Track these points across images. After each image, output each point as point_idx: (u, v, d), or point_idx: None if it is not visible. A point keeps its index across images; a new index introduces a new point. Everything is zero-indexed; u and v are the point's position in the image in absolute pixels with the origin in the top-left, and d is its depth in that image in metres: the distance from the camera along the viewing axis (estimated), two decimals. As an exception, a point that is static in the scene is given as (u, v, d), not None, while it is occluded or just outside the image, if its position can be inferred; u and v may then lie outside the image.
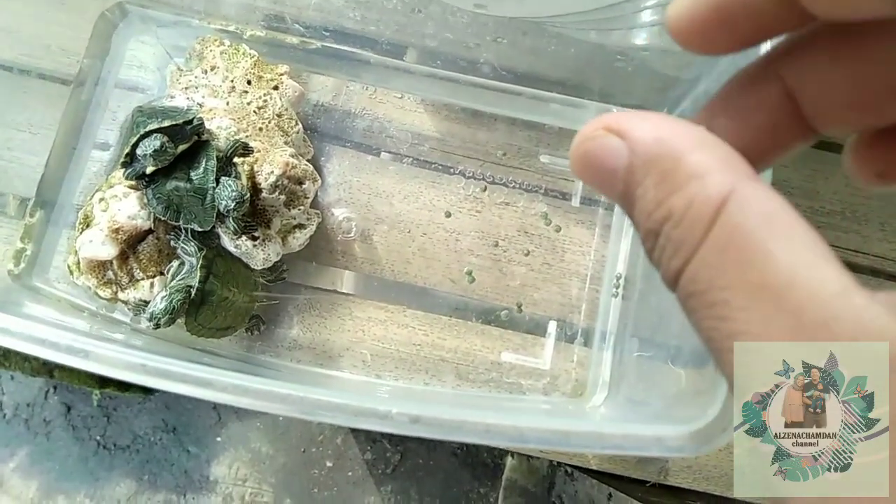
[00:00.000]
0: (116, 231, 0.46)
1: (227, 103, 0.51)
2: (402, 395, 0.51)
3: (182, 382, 0.31)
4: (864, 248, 0.54)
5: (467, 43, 0.51)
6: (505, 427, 0.30)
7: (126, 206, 0.47)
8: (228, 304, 0.48)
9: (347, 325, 0.52)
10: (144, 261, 0.48)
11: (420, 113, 0.55)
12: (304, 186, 0.50)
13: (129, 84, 0.55)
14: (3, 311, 0.34)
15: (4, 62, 0.54)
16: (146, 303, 0.47)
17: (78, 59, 0.54)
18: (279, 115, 0.51)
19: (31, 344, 0.32)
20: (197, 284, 0.46)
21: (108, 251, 0.47)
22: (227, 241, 0.48)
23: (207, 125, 0.48)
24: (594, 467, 0.54)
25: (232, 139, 0.48)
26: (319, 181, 0.52)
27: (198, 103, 0.50)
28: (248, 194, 0.46)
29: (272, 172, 0.48)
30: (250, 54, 0.52)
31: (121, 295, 0.48)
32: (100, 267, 0.48)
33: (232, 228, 0.46)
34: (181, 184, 0.46)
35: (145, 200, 0.47)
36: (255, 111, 0.51)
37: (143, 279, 0.48)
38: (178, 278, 0.46)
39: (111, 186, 0.48)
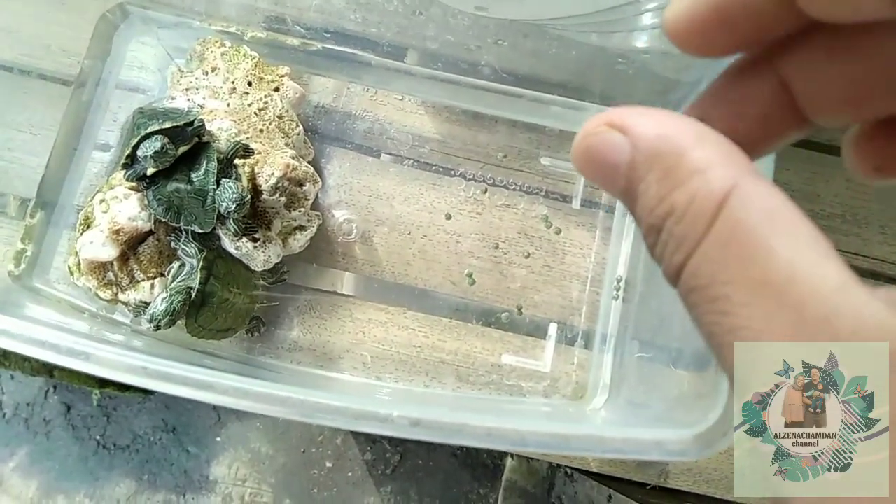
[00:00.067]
0: (117, 232, 0.46)
1: (228, 105, 0.51)
2: (402, 398, 0.51)
3: (182, 385, 0.31)
4: (865, 251, 0.54)
5: (468, 45, 0.51)
6: (506, 431, 0.30)
7: (127, 208, 0.47)
8: (229, 306, 0.48)
9: (348, 326, 0.52)
10: (145, 262, 0.48)
11: (421, 115, 0.55)
12: (304, 188, 0.50)
13: (129, 85, 0.55)
14: (4, 313, 0.34)
15: (5, 62, 0.54)
16: (146, 304, 0.47)
17: (79, 60, 0.54)
18: (280, 117, 0.51)
19: (32, 346, 0.32)
20: (197, 286, 0.46)
21: (109, 252, 0.46)
22: (228, 243, 0.48)
23: (208, 126, 0.48)
24: (594, 469, 0.54)
25: (233, 141, 0.48)
26: (320, 183, 0.52)
27: (198, 105, 0.50)
28: (249, 196, 0.46)
29: (273, 174, 0.48)
30: (251, 56, 0.52)
31: (121, 296, 0.48)
32: (100, 268, 0.48)
33: (232, 230, 0.46)
34: (182, 185, 0.46)
35: (146, 202, 0.47)
36: (255, 113, 0.51)
37: (143, 280, 0.48)
38: (178, 280, 0.46)
39: (112, 188, 0.48)
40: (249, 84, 0.51)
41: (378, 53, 0.54)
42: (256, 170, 0.48)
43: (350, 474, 1.09)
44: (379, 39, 0.53)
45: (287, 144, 0.51)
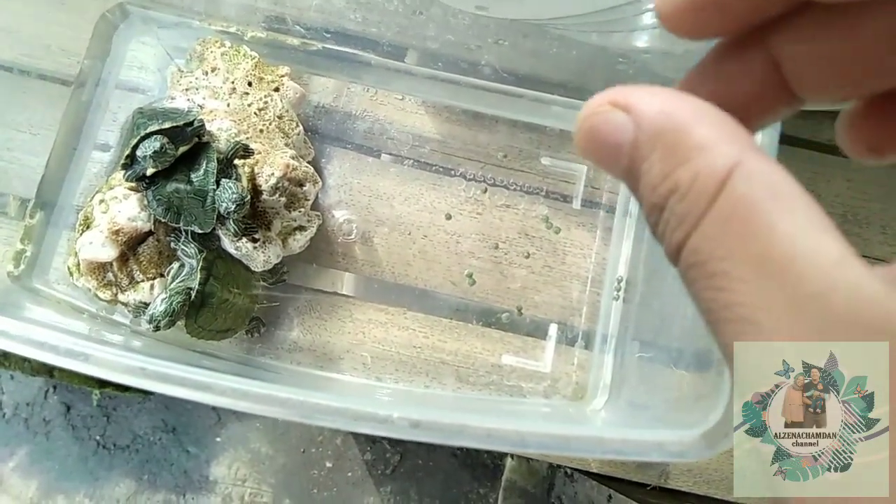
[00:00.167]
0: (116, 233, 0.46)
1: (228, 105, 0.51)
2: (402, 398, 0.51)
3: (181, 386, 0.31)
4: (866, 252, 0.54)
5: (469, 45, 0.51)
6: (506, 432, 0.30)
7: (126, 208, 0.47)
8: (228, 307, 0.48)
9: (348, 327, 0.52)
10: (144, 263, 0.48)
11: (421, 115, 0.55)
12: (304, 188, 0.50)
13: (129, 85, 0.55)
14: (3, 314, 0.34)
15: (5, 62, 0.54)
16: (146, 305, 0.47)
17: (78, 60, 0.54)
18: (280, 117, 0.51)
19: (31, 347, 0.32)
20: (197, 286, 0.45)
21: (108, 253, 0.46)
22: (228, 243, 0.48)
23: (208, 127, 0.48)
24: (594, 470, 0.54)
25: (232, 141, 0.48)
26: (320, 183, 0.52)
27: (198, 105, 0.50)
28: (249, 196, 0.46)
29: (273, 174, 0.48)
30: (251, 56, 0.52)
31: (121, 297, 0.48)
32: (100, 269, 0.48)
33: (232, 230, 0.46)
34: (181, 186, 0.46)
35: (145, 202, 0.46)
36: (255, 113, 0.51)
37: (143, 281, 0.48)
38: (178, 280, 0.46)
39: (111, 188, 0.48)
40: (249, 84, 0.51)
41: (378, 53, 0.54)
42: (256, 170, 0.48)
43: (350, 474, 1.09)
44: (379, 39, 0.53)
45: (287, 145, 0.51)
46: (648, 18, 0.42)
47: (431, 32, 0.51)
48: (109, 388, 1.06)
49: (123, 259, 0.47)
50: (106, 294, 0.48)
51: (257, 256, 0.48)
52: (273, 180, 0.48)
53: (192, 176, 0.46)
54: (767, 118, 0.20)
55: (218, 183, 0.46)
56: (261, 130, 0.50)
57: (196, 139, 0.47)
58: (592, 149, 0.19)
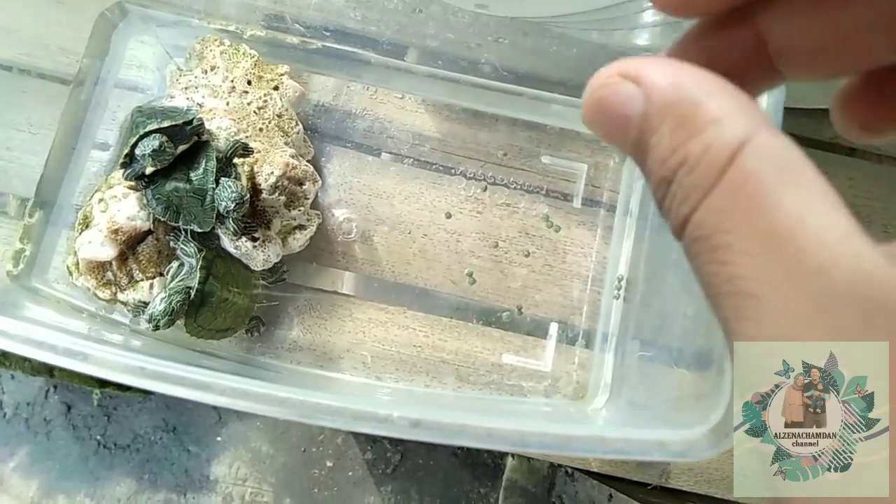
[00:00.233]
0: (116, 232, 0.46)
1: (227, 103, 0.50)
2: (402, 398, 0.51)
3: (180, 386, 0.31)
4: (867, 250, 0.54)
5: (468, 43, 0.51)
6: (506, 431, 0.30)
7: (125, 207, 0.47)
8: (228, 306, 0.47)
9: (348, 326, 0.52)
10: (144, 262, 0.48)
11: (421, 113, 0.55)
12: (304, 187, 0.50)
13: (128, 84, 0.55)
14: (2, 313, 0.34)
15: (4, 62, 0.54)
16: (145, 304, 0.47)
17: (77, 59, 0.54)
18: (279, 116, 0.51)
19: (30, 346, 0.32)
20: (196, 286, 0.45)
21: (108, 252, 0.46)
22: (227, 242, 0.48)
23: (207, 125, 0.48)
24: (595, 469, 0.53)
25: (232, 140, 0.48)
26: (320, 182, 0.52)
27: (197, 103, 0.50)
28: (248, 195, 0.46)
29: (272, 173, 0.48)
30: (250, 54, 0.52)
31: (120, 296, 0.48)
32: (99, 268, 0.48)
33: (232, 229, 0.46)
34: (181, 184, 0.46)
35: (145, 201, 0.46)
36: (255, 111, 0.50)
37: (142, 280, 0.48)
38: (177, 279, 0.46)
39: (111, 187, 0.48)
40: (249, 83, 0.51)
41: (378, 52, 0.54)
42: (256, 169, 0.48)
43: (350, 474, 1.09)
44: (379, 37, 0.53)
45: (286, 143, 0.51)
46: (649, 16, 0.42)
47: (431, 30, 0.51)
48: (110, 388, 1.06)
49: (123, 258, 0.47)
50: (105, 293, 0.48)
51: (257, 255, 0.48)
52: (272, 179, 0.47)
53: (192, 175, 0.46)
54: (750, 93, 0.20)
55: (217, 182, 0.46)
56: (260, 129, 0.50)
57: (195, 138, 0.47)
58: (600, 121, 0.18)
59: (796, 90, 0.39)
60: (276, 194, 0.48)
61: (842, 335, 0.14)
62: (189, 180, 0.46)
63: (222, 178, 0.46)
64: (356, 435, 1.09)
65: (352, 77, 0.55)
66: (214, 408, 1.10)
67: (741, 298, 0.15)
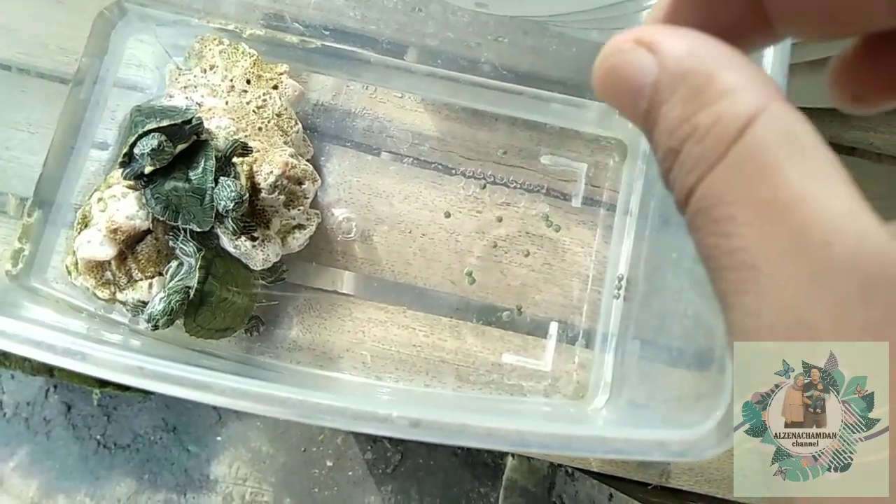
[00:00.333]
0: (115, 231, 0.46)
1: (227, 103, 0.50)
2: (402, 397, 0.51)
3: (180, 386, 0.31)
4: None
5: (468, 42, 0.51)
6: (507, 431, 0.30)
7: (124, 207, 0.46)
8: (227, 305, 0.47)
9: (347, 325, 0.52)
10: (143, 261, 0.48)
11: (420, 112, 0.55)
12: (303, 186, 0.50)
13: (127, 83, 0.55)
14: (1, 313, 0.34)
15: (3, 61, 0.54)
16: (144, 304, 0.47)
17: (76, 58, 0.53)
18: (278, 115, 0.51)
19: (28, 346, 0.32)
20: (196, 285, 0.45)
21: (107, 251, 0.46)
22: (227, 242, 0.48)
23: (206, 125, 0.48)
24: (595, 469, 0.53)
25: (231, 139, 0.48)
26: (319, 181, 0.52)
27: (197, 103, 0.50)
28: (248, 194, 0.46)
29: (271, 172, 0.47)
30: (249, 53, 0.52)
31: (119, 296, 0.48)
32: (98, 267, 0.48)
33: (231, 229, 0.46)
34: (180, 184, 0.46)
35: (144, 200, 0.46)
36: (254, 111, 0.50)
37: (141, 280, 0.48)
38: (176, 279, 0.46)
39: (110, 186, 0.48)
40: (248, 82, 0.51)
41: (377, 51, 0.54)
42: (255, 168, 0.48)
43: (351, 473, 1.09)
44: (378, 37, 0.53)
45: (286, 143, 0.51)
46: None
47: (431, 30, 0.50)
48: (110, 388, 1.06)
49: (122, 258, 0.47)
50: (104, 293, 0.48)
51: (256, 255, 0.48)
52: (272, 178, 0.47)
53: (191, 174, 0.46)
54: (741, 50, 0.20)
55: (216, 181, 0.45)
56: (259, 128, 0.50)
57: (194, 137, 0.47)
58: (612, 90, 0.18)
59: (796, 90, 0.39)
60: (276, 194, 0.48)
61: (842, 309, 0.14)
62: (188, 179, 0.46)
63: (221, 178, 0.46)
64: (356, 435, 1.09)
65: (351, 76, 0.55)
66: (214, 408, 1.10)
67: (742, 271, 0.15)
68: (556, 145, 0.55)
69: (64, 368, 0.31)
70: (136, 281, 0.48)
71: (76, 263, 0.48)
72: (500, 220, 0.53)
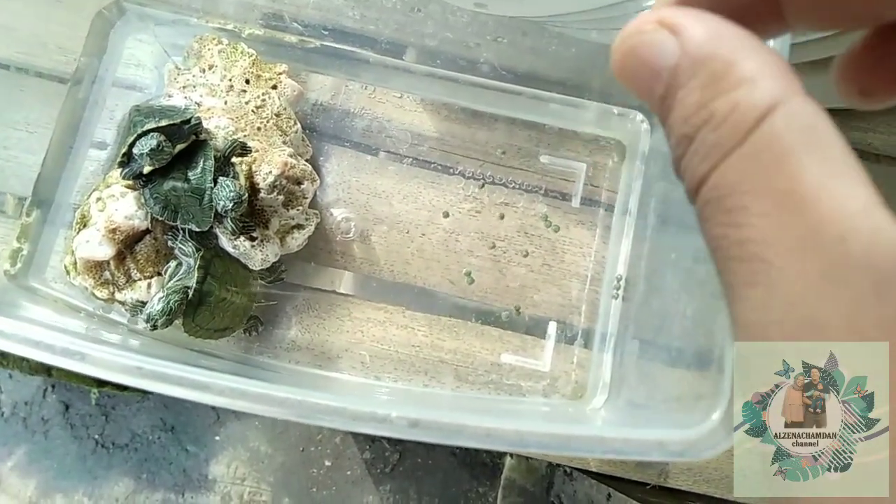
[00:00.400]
0: (113, 231, 0.46)
1: (226, 102, 0.50)
2: (401, 397, 0.51)
3: (178, 386, 0.31)
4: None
5: (467, 42, 0.51)
6: (506, 431, 0.30)
7: (123, 206, 0.46)
8: (226, 305, 0.47)
9: (346, 325, 0.52)
10: (142, 261, 0.48)
11: (419, 112, 0.55)
12: (302, 186, 0.50)
13: (126, 83, 0.55)
14: (0, 313, 0.33)
15: (2, 60, 0.54)
16: (143, 304, 0.47)
17: (75, 58, 0.53)
18: (277, 115, 0.51)
19: (27, 346, 0.32)
20: (194, 285, 0.45)
21: (105, 251, 0.46)
22: (225, 242, 0.48)
23: (205, 124, 0.48)
24: (594, 468, 0.53)
25: (230, 139, 0.48)
26: (318, 181, 0.52)
27: (196, 102, 0.50)
28: (247, 194, 0.46)
29: (270, 172, 0.47)
30: (249, 53, 0.52)
31: (118, 295, 0.48)
32: (97, 267, 0.48)
33: (230, 229, 0.46)
34: (179, 184, 0.46)
35: (142, 200, 0.46)
36: (253, 110, 0.50)
37: (140, 280, 0.48)
38: (175, 279, 0.46)
39: (108, 186, 0.48)
40: (247, 82, 0.51)
41: (376, 51, 0.54)
42: (254, 168, 0.48)
43: (349, 473, 1.09)
44: (377, 37, 0.53)
45: (285, 142, 0.51)
46: (648, 15, 0.42)
47: (430, 30, 0.50)
48: (108, 387, 1.06)
49: (120, 257, 0.47)
50: (103, 293, 0.48)
51: (255, 255, 0.48)
52: (271, 178, 0.47)
53: (190, 174, 0.46)
54: None
55: (215, 181, 0.45)
56: (258, 128, 0.50)
57: (193, 137, 0.46)
58: (629, 72, 0.18)
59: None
60: (275, 193, 0.48)
61: (855, 305, 0.14)
62: (187, 179, 0.46)
63: (220, 178, 0.46)
64: (355, 434, 1.09)
65: (350, 76, 0.55)
66: (213, 407, 1.10)
67: (752, 263, 0.15)
68: (555, 145, 0.55)
69: (62, 368, 0.31)
70: (135, 281, 0.48)
71: (75, 263, 0.48)
72: (499, 219, 0.53)
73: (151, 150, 0.43)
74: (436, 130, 0.55)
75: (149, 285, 0.47)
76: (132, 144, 0.45)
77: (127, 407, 1.10)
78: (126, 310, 0.49)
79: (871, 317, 0.14)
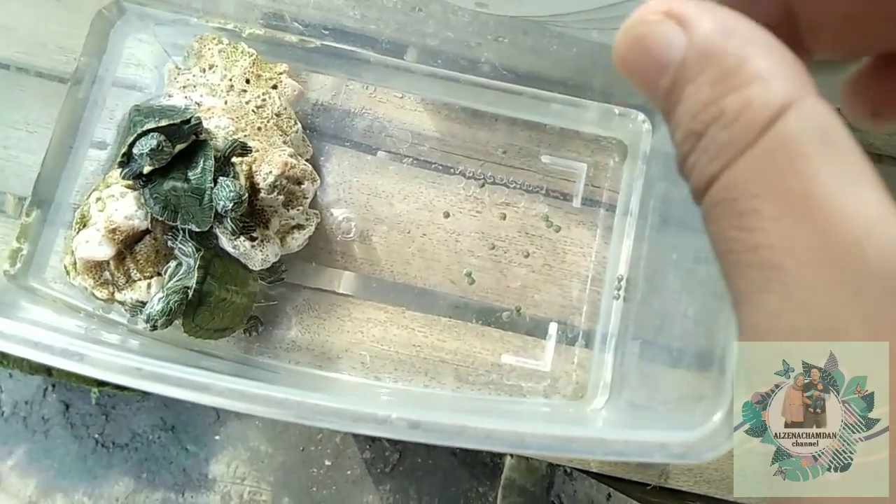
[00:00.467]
0: (113, 231, 0.46)
1: (226, 102, 0.50)
2: (401, 398, 0.51)
3: (178, 387, 0.31)
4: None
5: (468, 42, 0.51)
6: (506, 433, 0.30)
7: (123, 206, 0.46)
8: (226, 305, 0.47)
9: (346, 326, 0.52)
10: (141, 261, 0.47)
11: (420, 112, 0.55)
12: (302, 186, 0.50)
13: (126, 82, 0.55)
14: (-1, 313, 0.33)
15: (1, 60, 0.54)
16: (143, 304, 0.46)
17: (75, 57, 0.53)
18: (278, 115, 0.51)
19: (26, 347, 0.32)
20: (194, 285, 0.45)
21: (105, 251, 0.46)
22: (226, 242, 0.48)
23: (205, 124, 0.48)
24: (594, 469, 0.53)
25: (230, 139, 0.48)
26: (318, 181, 0.52)
27: (196, 102, 0.50)
28: (247, 194, 0.45)
29: (271, 172, 0.47)
30: (249, 53, 0.52)
31: (117, 296, 0.47)
32: (96, 267, 0.47)
33: (230, 229, 0.46)
34: (179, 184, 0.45)
35: (142, 200, 0.46)
36: (253, 110, 0.50)
37: (140, 280, 0.47)
38: (175, 279, 0.46)
39: (108, 186, 0.48)
40: (247, 81, 0.51)
41: (377, 50, 0.53)
42: (254, 168, 0.48)
43: (349, 473, 1.09)
44: (378, 36, 0.53)
45: (285, 142, 0.51)
46: (649, 15, 0.42)
47: (431, 29, 0.50)
48: (108, 387, 1.06)
49: (120, 257, 0.47)
50: (103, 293, 0.48)
51: (255, 255, 0.48)
52: (271, 178, 0.47)
53: (190, 174, 0.46)
54: None
55: (215, 181, 0.45)
56: (259, 128, 0.50)
57: (193, 137, 0.46)
58: (633, 63, 0.17)
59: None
60: (275, 193, 0.48)
61: (875, 317, 0.14)
62: (187, 179, 0.46)
63: (220, 178, 0.45)
64: (355, 434, 1.09)
65: (351, 76, 0.55)
66: (213, 407, 1.10)
67: (765, 269, 0.15)
68: (556, 145, 0.54)
69: (62, 368, 0.31)
70: (135, 281, 0.47)
71: (74, 263, 0.48)
72: (499, 220, 0.53)
73: (151, 149, 0.43)
74: (436, 130, 0.55)
75: (149, 285, 0.47)
76: (132, 144, 0.44)
77: (127, 406, 1.10)
78: (126, 310, 0.48)
79: (892, 323, 0.14)
